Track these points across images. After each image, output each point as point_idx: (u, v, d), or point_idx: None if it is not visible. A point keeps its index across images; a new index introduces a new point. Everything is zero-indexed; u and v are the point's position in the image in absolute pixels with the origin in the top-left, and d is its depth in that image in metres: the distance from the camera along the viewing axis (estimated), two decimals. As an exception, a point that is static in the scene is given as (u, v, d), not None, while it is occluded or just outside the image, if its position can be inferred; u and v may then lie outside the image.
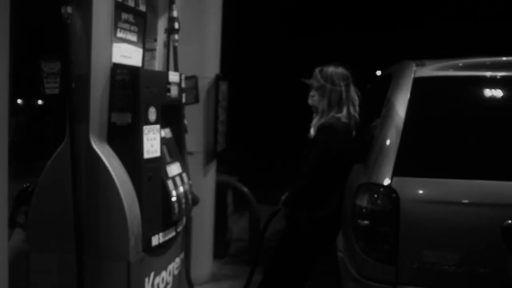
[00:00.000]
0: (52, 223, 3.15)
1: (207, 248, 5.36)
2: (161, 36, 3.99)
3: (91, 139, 3.08)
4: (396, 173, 2.86)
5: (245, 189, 6.05)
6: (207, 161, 5.15)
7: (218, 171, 5.64)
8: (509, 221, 2.69)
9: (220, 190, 5.84)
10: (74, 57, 3.02)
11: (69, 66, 2.99)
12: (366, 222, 2.90)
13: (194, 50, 4.90)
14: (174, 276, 3.87)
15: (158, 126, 3.39)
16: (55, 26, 3.07)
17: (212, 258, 5.56)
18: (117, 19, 3.34)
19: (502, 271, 2.74)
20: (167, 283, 3.73)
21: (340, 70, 3.76)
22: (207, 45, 5.14)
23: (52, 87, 3.01)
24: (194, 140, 4.77)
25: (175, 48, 4.08)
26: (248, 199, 6.06)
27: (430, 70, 3.23)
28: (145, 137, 3.24)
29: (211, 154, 5.18)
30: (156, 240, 3.39)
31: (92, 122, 3.09)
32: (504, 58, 3.26)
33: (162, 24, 3.98)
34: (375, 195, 2.88)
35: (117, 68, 3.23)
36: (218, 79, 5.13)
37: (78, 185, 3.04)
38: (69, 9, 2.98)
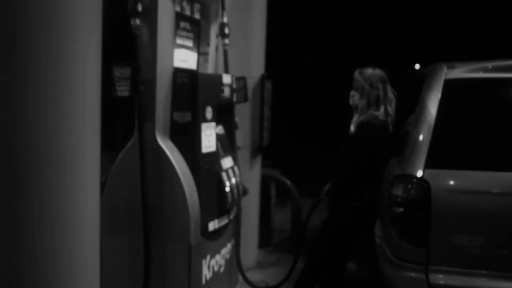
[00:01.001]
0: (122, 209, 3.57)
1: (253, 237, 5.71)
2: (213, 41, 4.38)
3: (157, 135, 3.50)
4: (428, 165, 3.19)
5: (288, 182, 6.37)
6: (253, 156, 5.51)
7: (263, 165, 5.99)
8: (530, 209, 3.02)
9: (264, 183, 6.18)
10: (142, 63, 3.43)
11: (138, 71, 3.39)
12: (401, 209, 3.24)
13: (241, 52, 5.24)
14: (226, 260, 4.27)
15: (213, 124, 3.79)
16: (124, 35, 3.48)
17: (257, 246, 5.90)
18: (176, 27, 3.74)
19: (523, 253, 3.06)
20: (220, 266, 4.13)
21: (377, 72, 4.11)
22: (253, 47, 5.46)
23: (123, 89, 3.41)
24: (242, 136, 5.12)
25: (225, 52, 4.46)
26: (291, 191, 6.39)
27: (460, 72, 3.53)
28: (203, 134, 3.65)
29: (257, 149, 5.54)
30: (212, 226, 3.80)
31: (158, 120, 3.50)
32: None
33: (214, 30, 4.37)
34: (409, 185, 3.22)
35: (178, 72, 3.64)
36: (263, 78, 5.48)
37: (146, 175, 3.45)
38: (137, 21, 3.39)
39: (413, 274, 3.17)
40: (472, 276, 3.10)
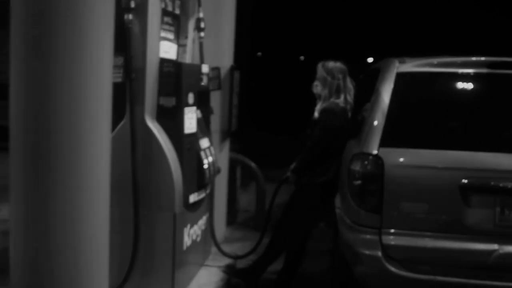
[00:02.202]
0: (114, 183, 3.97)
1: (221, 214, 6.17)
2: (190, 34, 4.83)
3: (146, 117, 3.94)
4: (381, 144, 3.74)
5: (253, 164, 6.86)
6: (223, 139, 5.98)
7: (230, 150, 6.45)
8: (464, 181, 3.60)
9: (230, 166, 6.66)
10: (134, 53, 3.86)
11: (130, 60, 3.82)
12: (359, 182, 3.79)
13: (212, 44, 5.68)
14: (202, 231, 4.75)
15: (194, 108, 4.26)
16: (117, 28, 3.89)
17: (225, 223, 6.40)
18: (161, 22, 4.19)
19: (459, 217, 3.62)
20: (197, 235, 4.61)
21: (338, 64, 4.65)
22: (223, 40, 5.92)
23: (116, 76, 3.77)
24: (213, 121, 5.59)
25: (201, 44, 4.92)
26: (256, 173, 6.88)
27: (410, 66, 4.10)
28: (185, 117, 4.11)
29: (226, 134, 6.02)
30: (192, 198, 4.27)
31: (147, 104, 3.94)
32: (474, 58, 4.12)
33: (191, 24, 4.81)
34: (366, 162, 3.77)
35: (164, 62, 4.09)
36: (232, 69, 5.96)
37: (136, 152, 3.87)
38: (130, 16, 3.82)
39: (368, 236, 3.73)
40: (417, 237, 3.67)
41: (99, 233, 2.86)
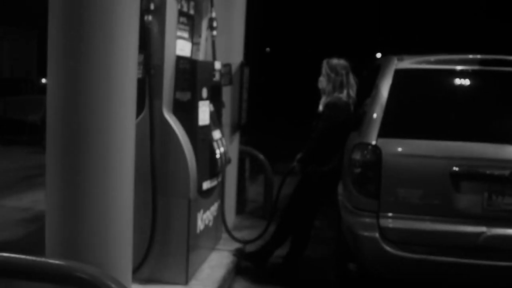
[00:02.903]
0: (134, 170, 4.33)
1: (231, 203, 6.50)
2: (204, 33, 5.16)
3: (163, 110, 4.27)
4: (380, 135, 4.08)
5: (261, 156, 7.18)
6: (233, 132, 6.31)
7: (240, 142, 6.79)
8: (455, 168, 3.93)
9: (240, 158, 6.99)
10: (153, 51, 4.19)
11: (150, 58, 4.16)
12: (359, 170, 4.13)
13: (223, 42, 6.00)
14: (213, 217, 5.10)
15: (208, 102, 4.60)
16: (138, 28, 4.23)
17: (235, 212, 6.74)
18: (177, 22, 4.52)
19: (450, 202, 3.96)
20: (209, 221, 4.96)
21: (342, 62, 4.98)
22: (234, 38, 6.24)
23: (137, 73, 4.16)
24: (224, 114, 5.92)
25: (213, 42, 5.25)
26: (264, 165, 7.21)
27: (408, 63, 4.43)
28: (199, 110, 4.44)
29: (236, 127, 6.36)
30: (205, 185, 4.61)
31: (164, 98, 4.27)
32: (467, 56, 4.44)
33: (204, 23, 5.14)
34: (365, 151, 4.10)
35: (180, 59, 4.43)
36: (242, 65, 6.29)
37: (154, 143, 4.19)
38: (150, 18, 4.15)
39: (367, 220, 4.07)
40: (412, 220, 4.02)
41: (124, 215, 3.19)
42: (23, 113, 13.68)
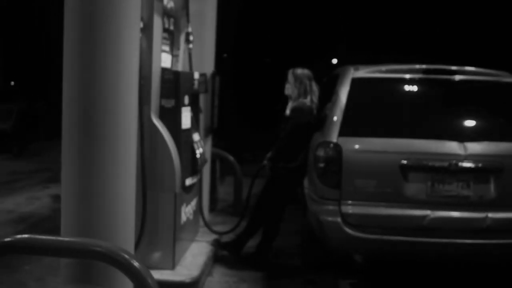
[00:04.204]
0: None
1: (205, 201, 7.09)
2: (182, 46, 5.76)
3: (151, 116, 4.84)
4: (340, 135, 4.76)
5: (231, 158, 7.76)
6: (206, 135, 6.89)
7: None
8: (403, 161, 4.64)
9: (211, 159, 7.56)
10: (142, 64, 4.73)
11: (140, 69, 4.70)
12: (322, 164, 4.80)
13: (196, 53, 6.58)
14: (193, 211, 5.69)
15: (189, 108, 5.19)
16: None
17: (208, 209, 7.32)
18: (161, 37, 5.11)
19: (400, 190, 4.66)
20: (190, 214, 5.54)
21: (306, 71, 5.66)
22: (205, 49, 6.80)
23: None
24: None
25: (190, 54, 5.85)
26: (233, 165, 7.75)
27: (363, 73, 5.13)
28: (182, 115, 5.03)
29: (209, 130, 6.96)
30: (188, 181, 5.19)
31: (152, 105, 4.84)
32: (417, 66, 5.16)
33: (182, 37, 5.75)
34: (328, 148, 4.77)
35: (165, 71, 5.02)
36: (214, 74, 6.89)
37: (143, 144, 4.74)
38: (139, 34, 4.71)
39: (330, 207, 4.73)
40: (368, 206, 4.70)
41: (128, 200, 3.71)
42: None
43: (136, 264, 3.05)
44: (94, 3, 3.39)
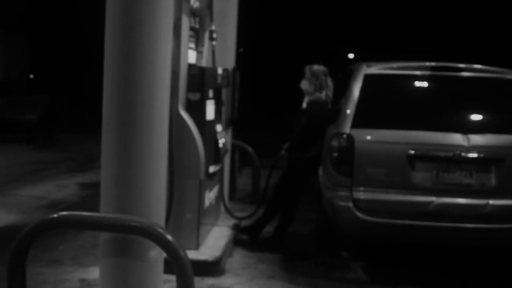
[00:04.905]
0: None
1: (225, 189, 7.52)
2: (206, 43, 6.17)
3: (179, 108, 5.26)
4: (353, 126, 5.14)
5: (250, 149, 8.14)
6: (227, 127, 7.29)
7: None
8: (411, 151, 5.01)
9: (231, 150, 7.94)
10: (172, 60, 5.15)
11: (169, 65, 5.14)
12: (336, 154, 5.19)
13: (219, 49, 6.94)
14: (215, 196, 6.11)
15: (213, 101, 5.61)
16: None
17: (228, 197, 7.72)
18: (188, 35, 5.52)
19: (407, 178, 5.02)
20: (213, 199, 5.97)
21: (322, 67, 6.06)
22: (227, 45, 7.21)
23: None
24: (220, 111, 6.88)
25: (213, 51, 6.26)
26: (252, 156, 8.15)
27: (375, 69, 5.50)
28: (207, 107, 5.45)
29: (229, 122, 7.36)
30: (211, 169, 5.61)
31: (180, 98, 5.26)
32: (426, 63, 5.51)
33: (206, 35, 6.16)
34: (341, 139, 5.15)
35: (191, 66, 5.42)
36: (235, 69, 7.29)
37: (172, 134, 5.10)
38: (169, 33, 5.14)
39: (343, 193, 5.11)
40: (378, 192, 5.08)
41: (161, 182, 4.12)
42: (18, 112, 14.43)
43: (169, 237, 3.47)
44: (134, 6, 3.79)
